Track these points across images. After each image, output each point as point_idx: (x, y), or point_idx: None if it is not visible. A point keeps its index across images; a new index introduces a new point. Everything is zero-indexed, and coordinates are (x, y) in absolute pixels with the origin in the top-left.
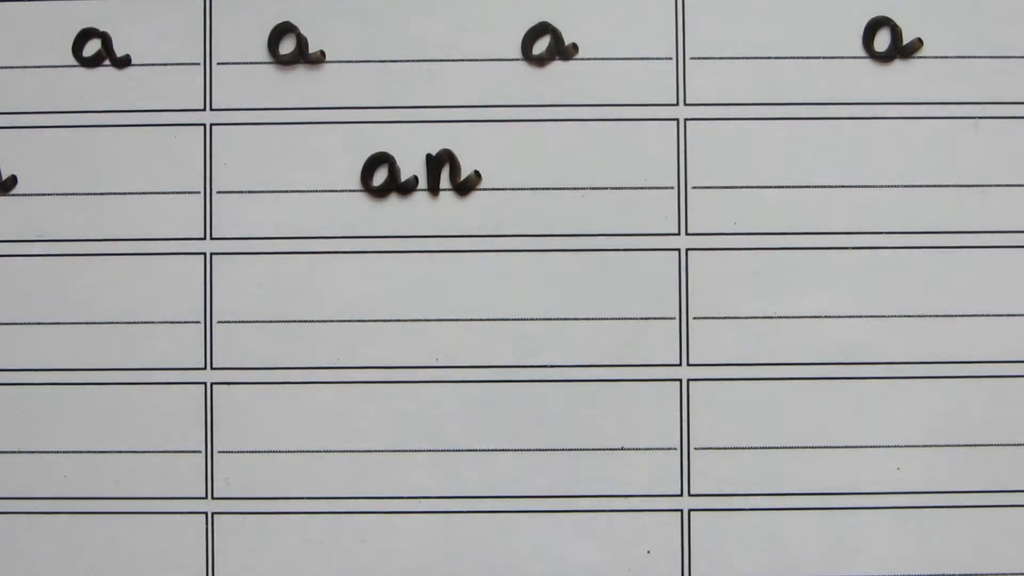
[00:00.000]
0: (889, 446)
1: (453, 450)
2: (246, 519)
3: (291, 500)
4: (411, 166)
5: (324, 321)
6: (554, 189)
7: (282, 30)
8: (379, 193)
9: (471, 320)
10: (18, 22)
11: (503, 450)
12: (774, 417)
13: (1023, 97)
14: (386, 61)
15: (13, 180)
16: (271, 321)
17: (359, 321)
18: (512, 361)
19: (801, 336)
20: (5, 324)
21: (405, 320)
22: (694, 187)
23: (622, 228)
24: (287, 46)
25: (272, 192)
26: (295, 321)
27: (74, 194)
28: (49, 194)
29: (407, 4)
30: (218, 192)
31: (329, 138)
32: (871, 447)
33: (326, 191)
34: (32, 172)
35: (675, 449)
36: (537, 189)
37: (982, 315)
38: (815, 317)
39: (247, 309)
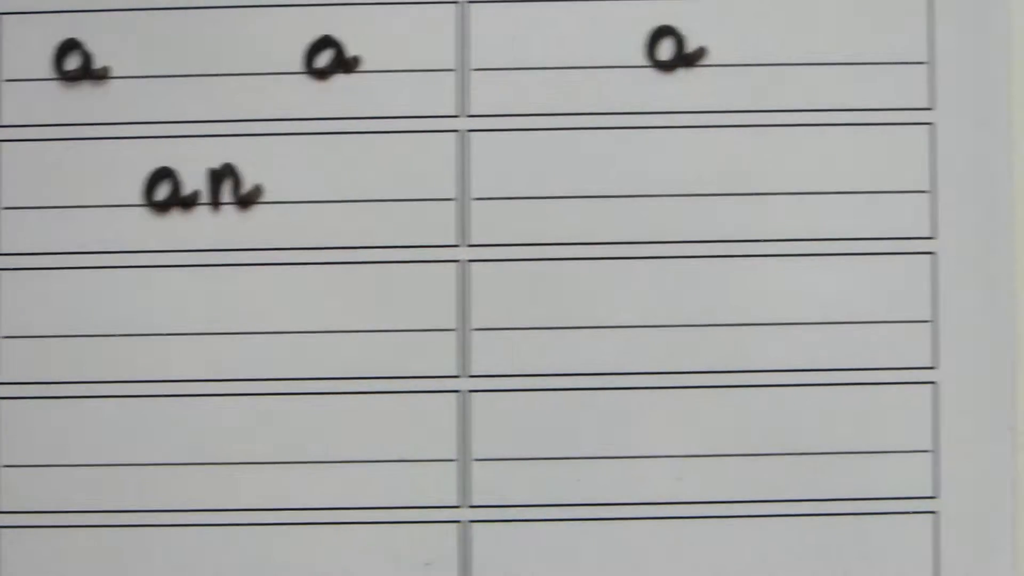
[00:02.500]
0: (670, 456)
1: (232, 463)
2: (32, 532)
3: (74, 514)
4: (195, 180)
5: (106, 336)
6: (337, 202)
7: (68, 46)
8: (161, 208)
9: (253, 333)
10: None
11: (282, 463)
12: (556, 428)
13: (804, 105)
14: (171, 76)
15: None
16: (55, 336)
17: (143, 335)
18: (293, 374)
19: (583, 346)
20: None
21: (187, 334)
22: (475, 198)
23: (405, 240)
24: (73, 62)
25: (58, 208)
26: (77, 336)
27: None
28: None
29: (190, 20)
30: (4, 208)
31: (115, 153)
32: (652, 457)
33: (111, 206)
34: None
35: (455, 460)
36: (320, 202)
37: (764, 324)
38: (597, 328)
39: (31, 324)
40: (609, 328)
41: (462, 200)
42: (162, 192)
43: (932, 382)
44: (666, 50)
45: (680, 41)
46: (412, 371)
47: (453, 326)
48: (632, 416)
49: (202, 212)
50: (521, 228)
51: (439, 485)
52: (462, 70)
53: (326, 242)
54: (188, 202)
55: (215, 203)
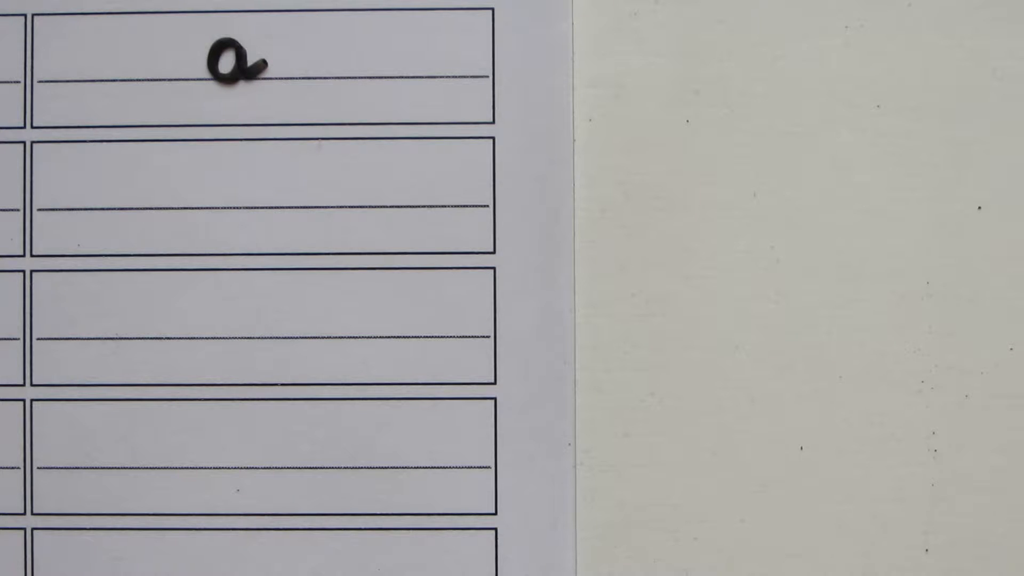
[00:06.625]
0: (228, 468)
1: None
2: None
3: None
4: None
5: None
6: None
7: None
8: None
9: None
10: None
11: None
12: (117, 438)
13: (365, 118)
14: None
15: None
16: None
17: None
18: None
19: (143, 357)
20: None
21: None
22: (39, 209)
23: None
24: None
25: None
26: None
27: None
28: None
29: None
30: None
31: None
32: (211, 468)
33: None
34: None
35: (18, 468)
36: None
37: (320, 337)
38: (157, 339)
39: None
40: (169, 339)
41: (25, 210)
42: None
43: (492, 398)
44: (227, 63)
45: (241, 54)
46: None
47: (17, 335)
48: (191, 426)
49: None
50: (83, 239)
51: (3, 492)
52: (28, 81)
53: None
54: None
55: None
